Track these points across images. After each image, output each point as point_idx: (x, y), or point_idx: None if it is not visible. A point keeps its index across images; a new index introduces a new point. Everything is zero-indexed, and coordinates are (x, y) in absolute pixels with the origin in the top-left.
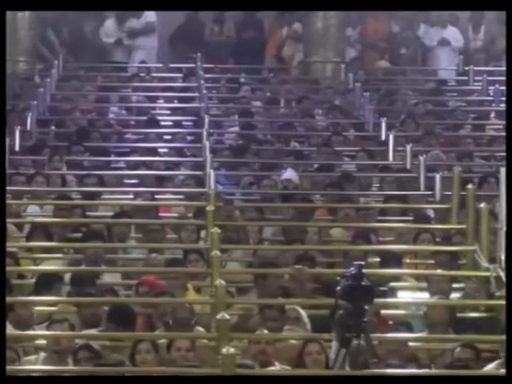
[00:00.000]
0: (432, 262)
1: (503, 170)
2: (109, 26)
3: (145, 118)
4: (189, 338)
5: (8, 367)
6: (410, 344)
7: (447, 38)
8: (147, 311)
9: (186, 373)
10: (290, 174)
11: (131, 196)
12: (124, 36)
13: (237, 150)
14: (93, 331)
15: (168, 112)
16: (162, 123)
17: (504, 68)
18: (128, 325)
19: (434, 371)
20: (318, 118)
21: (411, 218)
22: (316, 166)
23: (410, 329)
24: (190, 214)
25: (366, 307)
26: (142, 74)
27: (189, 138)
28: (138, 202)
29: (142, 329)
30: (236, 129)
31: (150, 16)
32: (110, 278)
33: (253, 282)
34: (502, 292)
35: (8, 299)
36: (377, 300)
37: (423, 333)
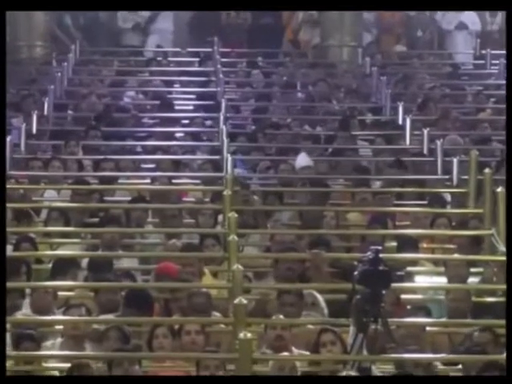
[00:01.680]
0: (449, 246)
1: None
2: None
3: (164, 102)
4: (206, 323)
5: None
6: (428, 329)
7: (464, 22)
8: (165, 297)
9: (203, 358)
10: (303, 160)
11: (148, 181)
12: (140, 20)
13: (253, 134)
14: (110, 316)
15: (185, 96)
16: (179, 107)
17: None
18: (146, 310)
19: (450, 356)
20: (335, 102)
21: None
22: (331, 150)
23: (428, 314)
24: (207, 199)
25: (384, 292)
26: (159, 59)
27: (206, 122)
28: (156, 186)
29: (160, 314)
30: (253, 113)
31: None
32: (127, 263)
33: (270, 267)
34: None
35: (25, 284)
36: (394, 285)
37: (441, 318)
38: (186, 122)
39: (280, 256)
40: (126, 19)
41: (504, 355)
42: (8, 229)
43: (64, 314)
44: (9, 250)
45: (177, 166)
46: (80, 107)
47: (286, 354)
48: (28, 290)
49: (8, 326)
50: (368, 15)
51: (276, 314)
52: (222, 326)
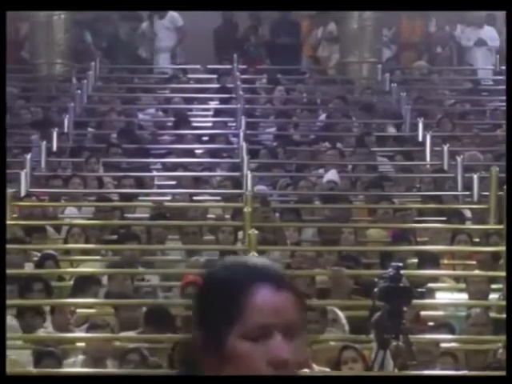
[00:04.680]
0: (469, 262)
1: None
2: (144, 28)
3: (181, 119)
4: None
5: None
6: (450, 345)
7: (484, 38)
8: (187, 313)
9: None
10: (332, 175)
11: (169, 198)
12: (159, 39)
13: (273, 151)
14: (131, 333)
15: (205, 113)
16: (199, 124)
17: None
18: (166, 327)
19: (471, 373)
20: (355, 118)
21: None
22: (351, 166)
23: (451, 330)
24: (228, 216)
25: (405, 308)
26: (180, 76)
27: (225, 139)
28: (176, 203)
29: (182, 330)
30: (272, 130)
31: (178, 20)
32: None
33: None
34: None
35: (48, 302)
36: (415, 301)
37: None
38: (206, 138)
39: (300, 273)
40: (146, 37)
41: None
42: (29, 246)
43: (88, 332)
44: (30, 267)
45: (197, 182)
46: (100, 124)
47: (306, 370)
48: (47, 308)
49: (29, 343)
50: (387, 32)
51: None
52: None
